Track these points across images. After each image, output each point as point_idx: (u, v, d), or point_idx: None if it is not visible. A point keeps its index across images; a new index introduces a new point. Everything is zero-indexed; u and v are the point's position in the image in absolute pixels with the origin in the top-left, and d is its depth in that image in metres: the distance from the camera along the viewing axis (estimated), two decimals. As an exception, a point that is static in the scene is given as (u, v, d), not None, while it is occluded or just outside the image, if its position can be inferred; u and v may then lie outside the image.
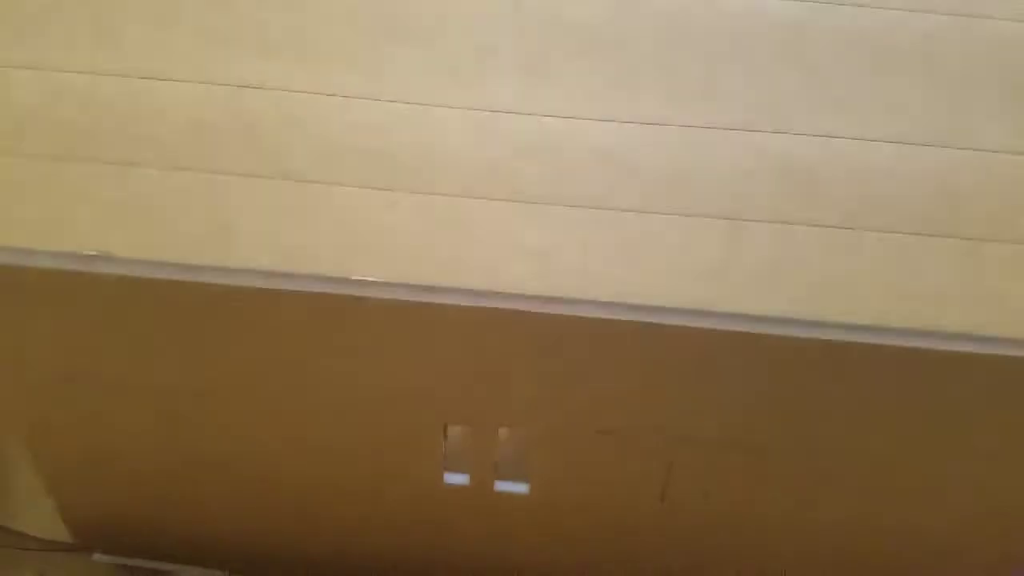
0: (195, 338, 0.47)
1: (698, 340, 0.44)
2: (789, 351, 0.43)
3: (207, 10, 0.47)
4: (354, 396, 0.49)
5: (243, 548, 0.61)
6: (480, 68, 0.46)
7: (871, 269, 0.44)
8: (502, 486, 0.53)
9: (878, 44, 0.47)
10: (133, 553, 0.63)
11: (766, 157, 0.45)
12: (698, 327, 0.43)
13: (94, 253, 0.43)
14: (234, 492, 0.57)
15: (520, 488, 0.53)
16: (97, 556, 0.64)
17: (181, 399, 0.51)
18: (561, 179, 0.45)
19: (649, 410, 0.49)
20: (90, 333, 0.47)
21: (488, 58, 0.46)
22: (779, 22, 0.47)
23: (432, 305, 0.43)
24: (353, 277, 0.43)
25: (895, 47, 0.47)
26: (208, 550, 0.61)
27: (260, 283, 0.43)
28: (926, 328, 0.42)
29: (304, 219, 0.44)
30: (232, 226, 0.44)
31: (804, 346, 0.43)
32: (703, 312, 0.43)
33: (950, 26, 0.47)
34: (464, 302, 0.43)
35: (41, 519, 0.66)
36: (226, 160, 0.45)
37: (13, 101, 0.46)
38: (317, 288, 0.43)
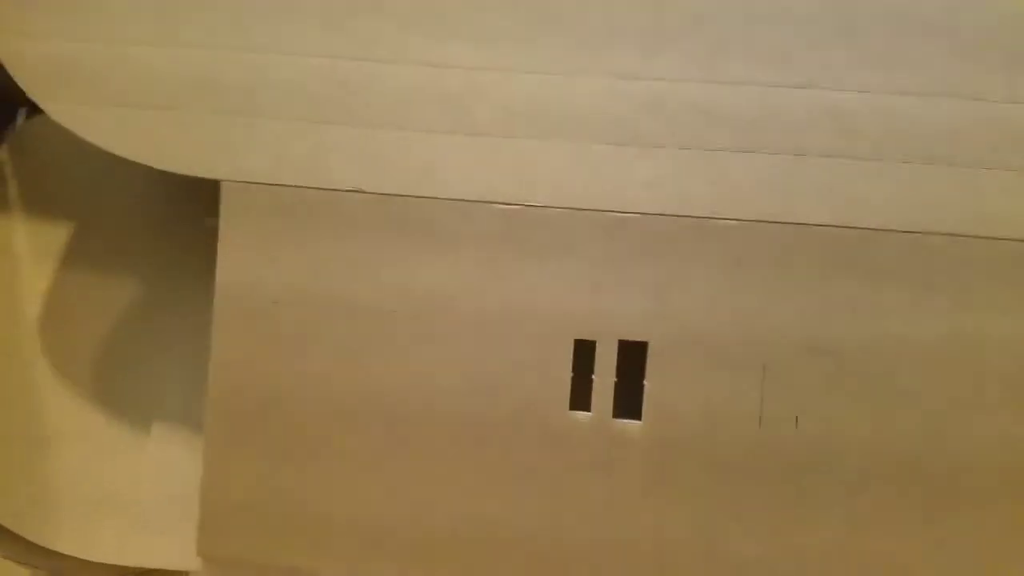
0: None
1: (779, 238, 0.60)
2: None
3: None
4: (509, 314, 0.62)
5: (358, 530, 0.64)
6: (608, 39, 0.64)
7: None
8: (619, 423, 0.62)
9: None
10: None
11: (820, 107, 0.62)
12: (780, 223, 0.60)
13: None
14: (389, 440, 0.64)
15: (635, 423, 0.62)
16: None
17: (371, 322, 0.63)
18: (671, 127, 0.62)
19: (740, 317, 0.61)
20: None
21: (615, 31, 0.64)
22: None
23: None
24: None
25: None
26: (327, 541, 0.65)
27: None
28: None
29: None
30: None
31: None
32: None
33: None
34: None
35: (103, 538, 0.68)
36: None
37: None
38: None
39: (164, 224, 0.76)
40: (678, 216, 0.62)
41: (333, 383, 0.63)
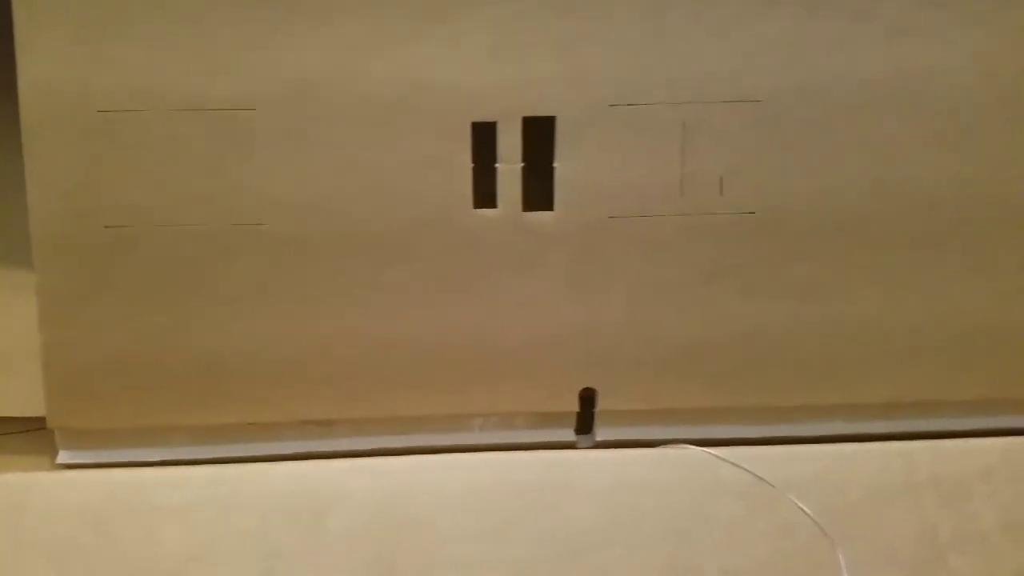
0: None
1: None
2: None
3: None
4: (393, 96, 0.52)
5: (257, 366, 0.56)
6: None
7: None
8: (530, 215, 0.54)
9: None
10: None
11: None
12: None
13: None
14: (266, 264, 0.54)
15: (547, 215, 0.54)
16: (63, 455, 0.56)
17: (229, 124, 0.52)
18: None
19: (657, 72, 0.53)
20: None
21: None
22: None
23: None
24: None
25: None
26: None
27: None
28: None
29: None
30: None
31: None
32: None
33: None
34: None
35: None
36: None
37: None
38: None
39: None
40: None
41: (193, 205, 0.53)
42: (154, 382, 0.55)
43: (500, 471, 0.54)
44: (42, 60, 0.52)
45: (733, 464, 0.55)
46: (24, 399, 0.58)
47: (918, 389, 0.57)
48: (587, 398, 0.57)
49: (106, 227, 0.53)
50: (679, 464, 0.55)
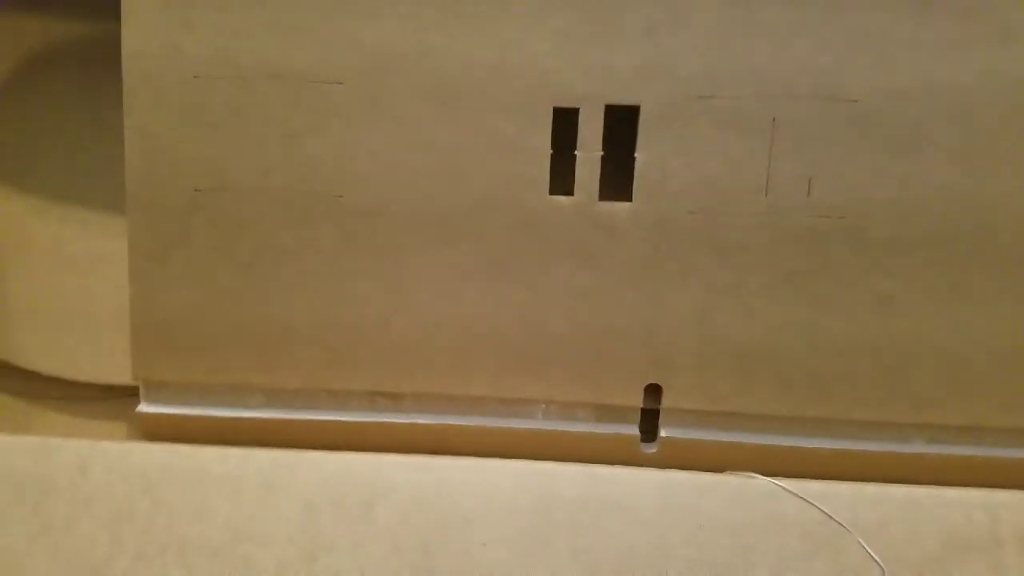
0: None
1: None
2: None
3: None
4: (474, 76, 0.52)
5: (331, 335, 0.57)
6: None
7: None
8: (606, 206, 0.53)
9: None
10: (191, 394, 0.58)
11: None
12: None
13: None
14: (340, 236, 0.55)
15: (623, 205, 0.53)
16: (144, 406, 0.57)
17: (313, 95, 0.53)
18: None
19: (746, 65, 0.52)
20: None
21: None
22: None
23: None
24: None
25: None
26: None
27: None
28: None
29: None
30: None
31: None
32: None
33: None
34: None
35: (70, 358, 0.63)
36: None
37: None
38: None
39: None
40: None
41: (273, 171, 0.54)
42: (231, 341, 0.56)
43: (549, 481, 0.53)
44: (140, 27, 0.53)
45: (800, 498, 0.52)
46: (105, 367, 0.61)
47: (999, 416, 0.54)
48: (653, 396, 0.56)
49: (195, 189, 0.55)
50: (738, 492, 0.53)
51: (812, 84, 0.52)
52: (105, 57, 0.57)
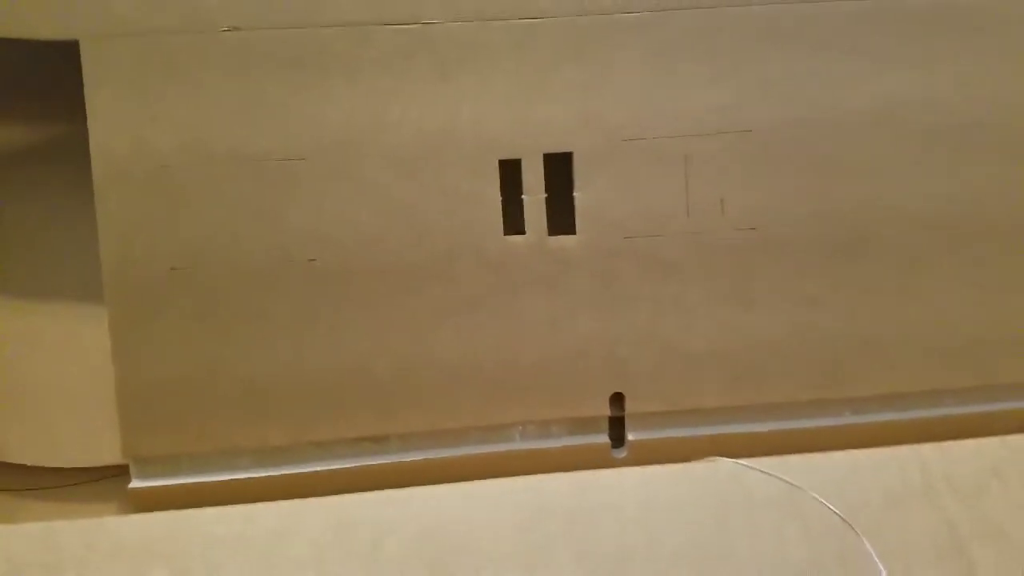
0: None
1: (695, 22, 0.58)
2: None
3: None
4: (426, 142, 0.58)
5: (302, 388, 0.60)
6: None
7: None
8: (555, 240, 0.60)
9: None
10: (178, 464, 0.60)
11: None
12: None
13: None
14: (315, 295, 0.59)
15: (570, 238, 0.60)
16: (136, 483, 0.59)
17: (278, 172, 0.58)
18: None
19: (662, 110, 0.59)
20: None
21: None
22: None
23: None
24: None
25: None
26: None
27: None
28: None
29: None
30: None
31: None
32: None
33: None
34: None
35: (53, 445, 0.62)
36: None
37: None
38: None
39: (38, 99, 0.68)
40: (589, 15, 0.59)
41: (246, 244, 0.59)
42: (215, 406, 0.60)
43: (539, 496, 0.58)
44: (106, 124, 0.57)
45: (762, 472, 0.58)
46: (90, 449, 0.63)
47: (914, 381, 0.62)
48: (618, 404, 0.62)
49: (171, 268, 0.59)
50: (708, 476, 0.59)
51: (718, 121, 0.60)
52: (67, 154, 0.61)
